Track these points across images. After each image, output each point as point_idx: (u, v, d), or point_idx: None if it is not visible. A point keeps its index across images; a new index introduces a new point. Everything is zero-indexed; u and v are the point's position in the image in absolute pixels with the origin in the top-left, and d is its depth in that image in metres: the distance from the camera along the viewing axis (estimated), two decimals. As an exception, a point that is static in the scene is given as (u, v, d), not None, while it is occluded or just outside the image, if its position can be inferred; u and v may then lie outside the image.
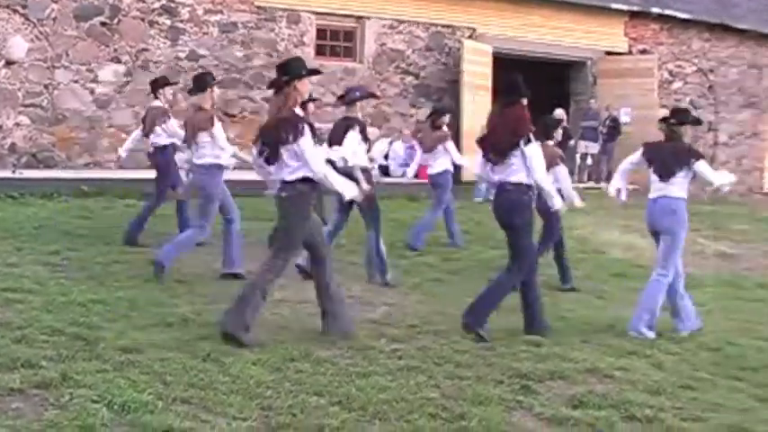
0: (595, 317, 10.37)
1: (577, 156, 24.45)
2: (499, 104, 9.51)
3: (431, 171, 14.67)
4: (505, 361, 8.07)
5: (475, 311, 9.05)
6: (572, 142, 24.61)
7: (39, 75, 19.32)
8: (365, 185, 10.62)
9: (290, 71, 8.35)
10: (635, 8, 26.41)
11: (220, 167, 10.87)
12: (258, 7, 21.53)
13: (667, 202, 9.72)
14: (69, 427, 5.55)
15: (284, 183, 8.19)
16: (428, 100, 23.20)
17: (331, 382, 6.97)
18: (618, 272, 13.60)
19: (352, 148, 11.15)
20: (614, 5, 26.01)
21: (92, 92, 19.80)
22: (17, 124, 19.18)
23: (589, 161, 25.20)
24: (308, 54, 22.01)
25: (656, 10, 26.66)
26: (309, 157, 8.02)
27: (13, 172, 17.56)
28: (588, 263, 14.40)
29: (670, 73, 27.39)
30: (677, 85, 27.58)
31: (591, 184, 23.91)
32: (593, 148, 25.17)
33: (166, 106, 13.35)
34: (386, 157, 22.41)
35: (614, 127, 24.69)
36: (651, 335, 9.55)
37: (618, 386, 7.64)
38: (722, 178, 10.18)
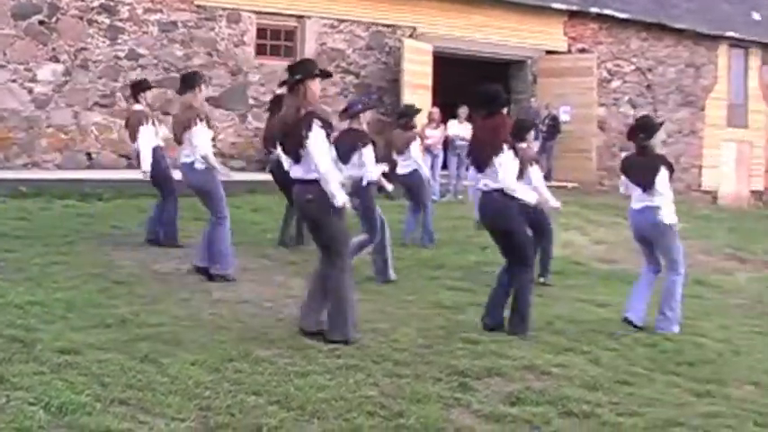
0: (533, 314, 10.42)
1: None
2: (479, 114, 9.79)
3: (401, 171, 14.68)
4: (443, 359, 8.11)
5: (516, 321, 9.46)
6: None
7: (-24, 74, 19.15)
8: (389, 185, 11.90)
9: (302, 71, 8.43)
10: (574, 8, 26.57)
11: None
12: (198, 6, 21.42)
13: (651, 212, 10.03)
14: (6, 429, 5.51)
15: (307, 182, 8.32)
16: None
17: (269, 382, 6.98)
18: (556, 269, 13.67)
19: (373, 163, 11.44)
20: (554, 5, 26.16)
21: (30, 91, 19.59)
22: (-46, 124, 19.00)
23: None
24: (248, 53, 21.99)
25: (594, 10, 26.84)
26: (316, 153, 8.12)
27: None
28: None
29: (609, 72, 27.59)
30: (616, 83, 27.80)
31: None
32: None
33: (147, 110, 13.20)
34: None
35: (554, 125, 24.82)
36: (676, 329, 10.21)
37: (555, 382, 7.71)
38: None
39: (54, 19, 19.75)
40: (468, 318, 10.01)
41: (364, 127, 11.67)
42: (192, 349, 7.68)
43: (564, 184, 22.40)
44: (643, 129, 10.33)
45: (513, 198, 9.25)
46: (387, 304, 10.20)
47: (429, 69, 23.48)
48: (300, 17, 22.84)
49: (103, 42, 20.28)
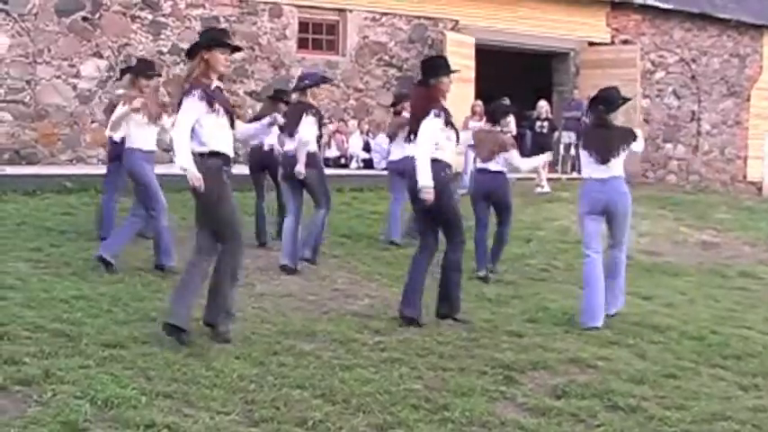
0: (577, 307, 10.36)
1: (561, 146, 24.40)
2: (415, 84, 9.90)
3: (392, 158, 14.34)
4: (488, 352, 8.09)
5: (443, 303, 9.29)
6: (556, 133, 24.62)
7: (20, 71, 19.25)
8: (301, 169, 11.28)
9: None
10: (617, -1, 26.46)
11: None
12: (240, 1, 21.48)
13: (618, 182, 9.76)
14: (52, 423, 5.54)
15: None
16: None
17: (314, 375, 6.97)
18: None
19: (310, 132, 11.45)
20: (596, -4, 26.07)
21: (74, 87, 19.73)
22: (-1, 120, 19.14)
23: (573, 151, 25.12)
24: (290, 47, 22.02)
25: (637, 0, 26.68)
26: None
27: (-4, 168, 17.52)
28: (569, 253, 14.39)
29: (652, 63, 27.42)
30: (659, 75, 27.62)
31: (574, 174, 23.90)
32: (575, 138, 25.10)
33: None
34: (368, 149, 22.43)
35: (597, 117, 24.61)
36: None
37: (601, 376, 7.66)
38: None
39: (97, 15, 19.88)
40: (513, 310, 9.97)
41: (310, 100, 11.81)
42: (236, 343, 7.69)
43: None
44: (604, 101, 10.08)
45: (443, 170, 8.94)
46: (430, 298, 10.17)
47: (471, 62, 23.41)
48: (342, 10, 22.85)
49: (146, 38, 20.40)
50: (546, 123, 23.73)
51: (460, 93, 20.80)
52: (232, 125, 7.88)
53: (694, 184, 27.44)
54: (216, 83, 7.88)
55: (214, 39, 7.88)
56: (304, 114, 11.43)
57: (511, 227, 12.49)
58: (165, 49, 20.60)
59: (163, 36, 20.61)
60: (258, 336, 8.02)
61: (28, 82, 19.32)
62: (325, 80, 12.87)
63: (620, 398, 7.03)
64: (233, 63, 21.21)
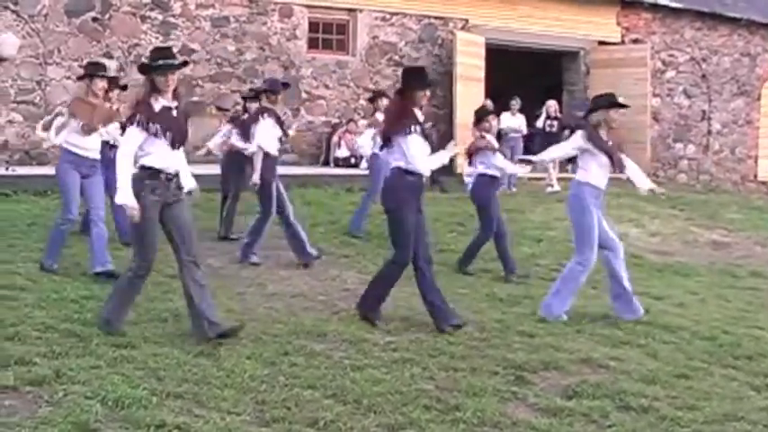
0: (589, 307, 10.36)
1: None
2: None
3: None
4: (499, 352, 8.08)
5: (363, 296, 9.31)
6: (566, 132, 24.57)
7: (31, 71, 19.26)
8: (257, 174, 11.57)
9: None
10: (627, -2, 26.41)
11: None
12: (250, 1, 21.48)
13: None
14: (63, 423, 5.55)
15: None
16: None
17: (325, 376, 6.98)
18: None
19: (263, 137, 11.71)
20: (606, -5, 26.01)
21: (84, 88, 19.74)
22: (9, 121, 19.11)
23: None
24: (300, 47, 22.00)
25: (648, -1, 26.65)
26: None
27: (6, 169, 17.50)
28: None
29: (663, 62, 27.34)
30: (670, 74, 27.54)
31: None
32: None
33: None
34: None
35: (607, 117, 24.59)
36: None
37: (612, 376, 7.65)
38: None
39: (107, 16, 19.87)
40: (524, 310, 9.95)
41: (268, 105, 12.00)
42: (247, 343, 7.69)
43: (618, 175, 22.20)
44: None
45: (402, 177, 8.99)
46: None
47: (482, 62, 23.37)
48: (352, 10, 22.82)
49: (156, 38, 20.37)
50: (555, 122, 23.71)
51: (470, 92, 20.84)
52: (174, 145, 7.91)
53: (705, 183, 27.36)
54: (163, 102, 7.91)
55: (153, 60, 8.02)
56: (261, 118, 11.75)
57: (490, 232, 12.43)
58: (174, 50, 20.46)
59: (173, 36, 20.59)
60: (269, 336, 8.02)
61: (38, 82, 19.32)
62: (285, 85, 12.93)
63: (632, 398, 7.03)
64: (243, 63, 21.25)
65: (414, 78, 9.21)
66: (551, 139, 21.97)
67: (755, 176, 29.25)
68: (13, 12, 18.99)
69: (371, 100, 15.62)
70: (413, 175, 8.94)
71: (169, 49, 8.54)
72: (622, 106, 10.12)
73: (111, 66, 19.75)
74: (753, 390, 7.73)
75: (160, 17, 20.45)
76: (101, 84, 10.82)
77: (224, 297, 9.48)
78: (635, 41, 26.68)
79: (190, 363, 7.01)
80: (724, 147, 28.56)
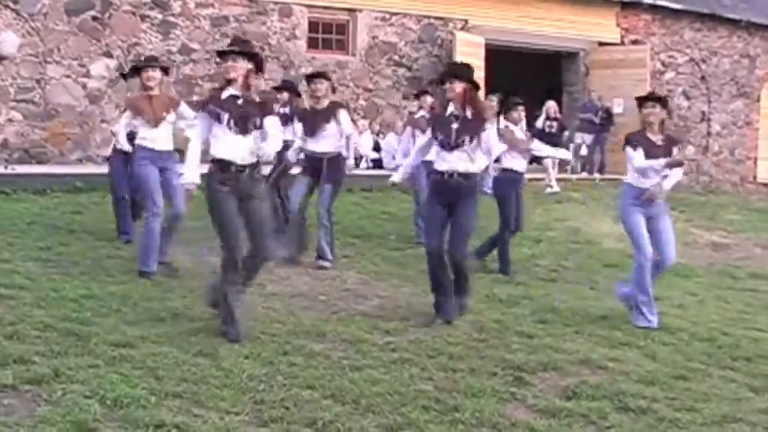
0: (588, 307, 10.36)
1: (572, 146, 24.33)
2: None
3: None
4: (498, 353, 8.07)
5: None
6: (566, 133, 24.59)
7: (30, 70, 19.25)
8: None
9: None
10: (627, -1, 26.43)
11: None
12: (250, 0, 21.48)
13: None
14: (62, 422, 5.55)
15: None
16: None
17: (324, 376, 6.97)
18: (610, 262, 13.58)
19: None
20: (606, -4, 26.03)
21: (84, 87, 19.73)
22: (9, 120, 19.10)
23: (583, 151, 24.96)
24: (300, 47, 22.01)
25: (647, 0, 26.63)
26: None
27: (5, 168, 17.49)
28: (581, 253, 14.40)
29: (662, 63, 27.37)
30: (669, 75, 27.57)
31: (584, 175, 23.91)
32: (590, 139, 25.00)
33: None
34: (378, 149, 22.43)
35: (608, 118, 24.63)
36: None
37: (611, 377, 7.64)
38: None
39: (107, 14, 19.87)
40: (523, 311, 9.95)
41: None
42: (245, 343, 7.68)
43: (618, 176, 22.21)
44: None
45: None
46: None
47: (481, 62, 23.37)
48: (352, 10, 22.83)
49: (156, 37, 20.39)
50: (554, 123, 23.71)
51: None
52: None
53: (704, 184, 27.37)
54: (231, 91, 8.28)
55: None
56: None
57: (509, 228, 12.47)
58: (174, 49, 20.59)
59: (172, 36, 20.60)
60: (268, 336, 8.01)
61: (38, 81, 19.31)
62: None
63: (631, 399, 7.02)
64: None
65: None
66: (551, 139, 21.99)
67: (755, 178, 29.30)
68: (13, 10, 18.99)
69: (417, 96, 15.53)
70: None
71: (245, 41, 9.03)
72: (646, 100, 10.15)
73: (111, 65, 19.82)
74: (752, 391, 7.71)
75: (160, 16, 20.45)
76: (153, 74, 10.80)
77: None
78: (634, 42, 26.72)
79: (188, 362, 7.00)
80: (723, 148, 28.60)
